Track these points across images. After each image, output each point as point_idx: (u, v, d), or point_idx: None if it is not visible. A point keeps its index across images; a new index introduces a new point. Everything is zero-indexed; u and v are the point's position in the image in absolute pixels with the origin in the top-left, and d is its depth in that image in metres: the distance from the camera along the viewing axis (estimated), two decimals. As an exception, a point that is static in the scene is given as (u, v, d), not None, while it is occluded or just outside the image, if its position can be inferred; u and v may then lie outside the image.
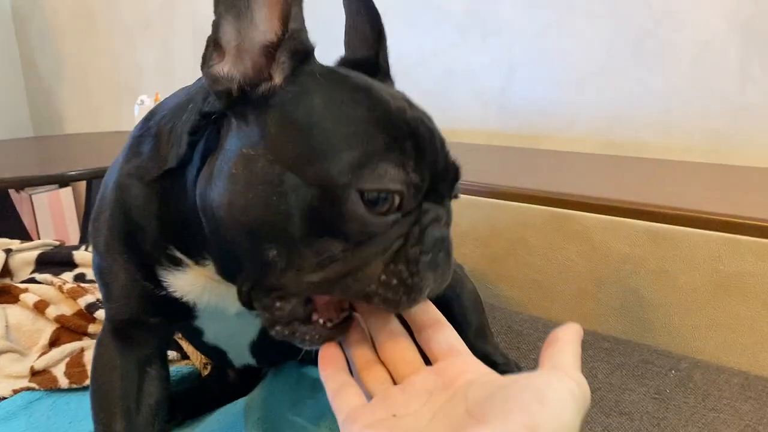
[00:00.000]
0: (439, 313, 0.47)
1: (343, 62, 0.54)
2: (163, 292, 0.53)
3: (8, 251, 1.05)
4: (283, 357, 0.72)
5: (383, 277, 0.41)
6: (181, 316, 0.56)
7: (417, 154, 0.42)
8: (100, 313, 0.84)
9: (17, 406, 0.72)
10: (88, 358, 0.78)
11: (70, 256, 1.06)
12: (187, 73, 2.30)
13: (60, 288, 0.89)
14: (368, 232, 0.41)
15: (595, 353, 0.82)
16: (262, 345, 0.62)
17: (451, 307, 0.75)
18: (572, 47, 1.33)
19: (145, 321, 0.56)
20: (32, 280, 0.95)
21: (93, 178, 1.59)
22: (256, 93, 0.43)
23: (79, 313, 0.86)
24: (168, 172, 0.48)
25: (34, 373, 0.78)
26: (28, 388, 0.76)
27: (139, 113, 2.00)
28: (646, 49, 1.22)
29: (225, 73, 0.43)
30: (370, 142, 0.41)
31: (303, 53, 0.45)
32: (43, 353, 0.81)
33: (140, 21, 2.46)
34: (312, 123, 0.42)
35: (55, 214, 2.91)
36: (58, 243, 1.14)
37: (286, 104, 0.43)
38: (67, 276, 1.00)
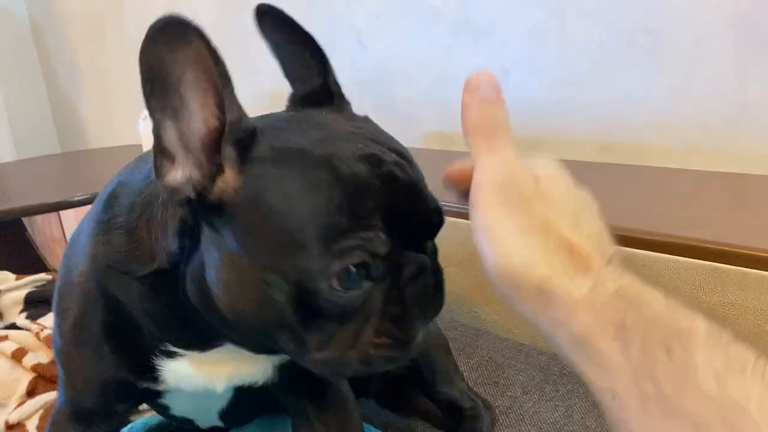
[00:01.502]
0: None
1: (294, 99, 0.51)
2: (145, 384, 0.52)
3: (-3, 292, 1.06)
4: (251, 417, 0.71)
5: (375, 340, 0.42)
6: (149, 399, 0.56)
7: (386, 223, 0.41)
8: (73, 362, 0.84)
9: (-13, 466, 0.73)
10: (60, 410, 0.78)
11: (57, 294, 1.06)
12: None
13: (37, 335, 0.90)
14: (348, 306, 0.41)
15: (574, 388, 0.79)
16: (232, 411, 0.61)
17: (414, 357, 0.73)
18: (564, 45, 1.27)
19: (111, 409, 0.56)
20: (14, 326, 0.96)
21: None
22: (214, 195, 0.41)
23: (54, 362, 0.86)
24: (155, 271, 0.46)
25: (9, 427, 0.79)
26: (2, 444, 0.77)
27: (144, 129, 2.01)
28: (640, 45, 1.16)
29: (180, 179, 0.41)
30: (334, 226, 0.40)
31: (247, 139, 0.42)
32: (20, 403, 0.82)
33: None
34: (275, 224, 0.40)
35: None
36: (49, 279, 1.15)
37: (244, 207, 0.41)
38: (51, 318, 1.00)
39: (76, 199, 1.52)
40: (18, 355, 0.87)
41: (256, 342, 0.47)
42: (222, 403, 0.59)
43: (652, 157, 1.19)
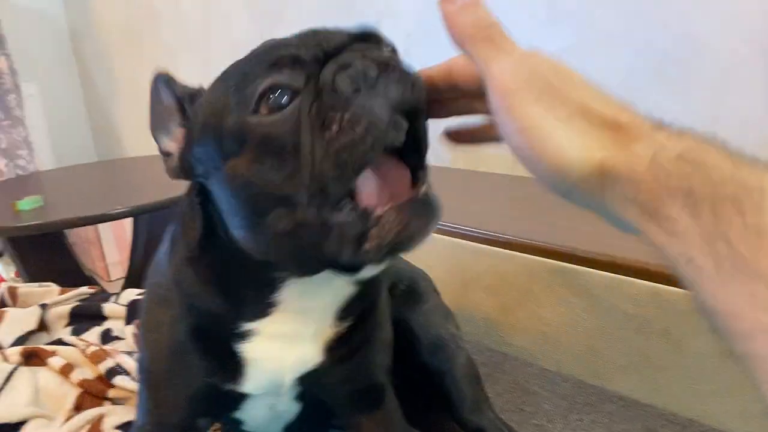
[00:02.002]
0: None
1: None
2: (229, 386, 0.56)
3: (44, 306, 1.11)
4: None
5: (335, 143, 0.40)
6: (230, 409, 0.60)
7: (295, 55, 0.44)
8: (118, 380, 0.88)
9: (40, 479, 0.78)
10: (107, 425, 0.83)
11: (101, 309, 1.11)
12: (226, 92, 2.36)
13: (83, 351, 0.94)
14: (283, 135, 0.42)
15: (598, 417, 0.81)
16: (298, 426, 0.66)
17: (444, 381, 0.76)
18: (592, 71, 1.28)
19: (191, 425, 0.60)
20: (61, 341, 1.01)
21: (134, 215, 1.66)
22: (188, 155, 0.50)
23: (99, 378, 0.91)
24: (204, 246, 0.52)
25: (58, 441, 0.83)
26: (52, 458, 0.81)
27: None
28: (667, 73, 1.17)
29: (175, 162, 0.51)
30: (243, 80, 0.45)
31: (189, 98, 0.51)
32: (69, 418, 0.87)
33: (181, 41, 2.54)
34: (207, 118, 0.48)
35: (116, 232, 3.05)
36: (92, 291, 1.20)
37: (192, 138, 0.49)
38: (95, 333, 1.05)
39: (115, 212, 1.57)
40: (66, 371, 0.92)
41: (277, 244, 0.46)
42: (289, 416, 0.63)
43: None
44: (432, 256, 0.95)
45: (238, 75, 0.45)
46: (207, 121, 0.47)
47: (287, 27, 2.31)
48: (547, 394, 0.88)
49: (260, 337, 0.54)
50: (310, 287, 0.51)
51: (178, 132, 0.51)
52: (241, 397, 0.58)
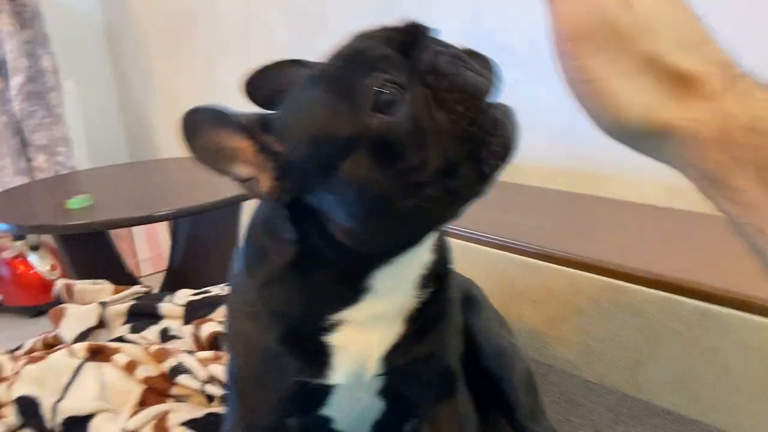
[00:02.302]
0: None
1: None
2: (318, 380, 0.59)
3: (103, 303, 1.16)
4: (400, 429, 0.78)
5: (461, 122, 0.46)
6: (318, 405, 0.63)
7: (385, 54, 0.48)
8: (181, 378, 0.93)
9: (113, 469, 0.82)
10: (172, 422, 0.87)
11: (156, 308, 1.16)
12: (264, 97, 2.41)
13: (146, 349, 0.99)
14: (409, 128, 0.46)
15: (644, 430, 0.84)
16: (384, 422, 0.69)
17: (502, 388, 0.79)
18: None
19: (281, 426, 0.64)
20: (122, 339, 1.05)
21: (181, 216, 1.71)
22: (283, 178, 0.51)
23: (163, 375, 0.95)
24: (293, 263, 0.55)
25: (126, 434, 0.88)
26: (121, 450, 0.85)
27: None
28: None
29: (267, 184, 0.52)
30: (354, 81, 0.47)
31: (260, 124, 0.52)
32: (134, 413, 0.91)
33: (219, 44, 2.59)
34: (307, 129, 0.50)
35: (148, 229, 3.11)
36: (146, 290, 1.25)
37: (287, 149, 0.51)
38: (154, 331, 1.10)
39: (160, 214, 1.62)
40: (130, 368, 0.96)
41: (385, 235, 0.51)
42: (376, 412, 0.67)
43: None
44: (479, 269, 0.98)
45: (334, 84, 0.48)
46: (310, 135, 0.49)
47: (329, 34, 2.37)
48: (593, 406, 0.91)
49: (348, 324, 0.58)
50: (399, 266, 0.55)
51: (256, 158, 0.52)
52: (329, 391, 0.62)
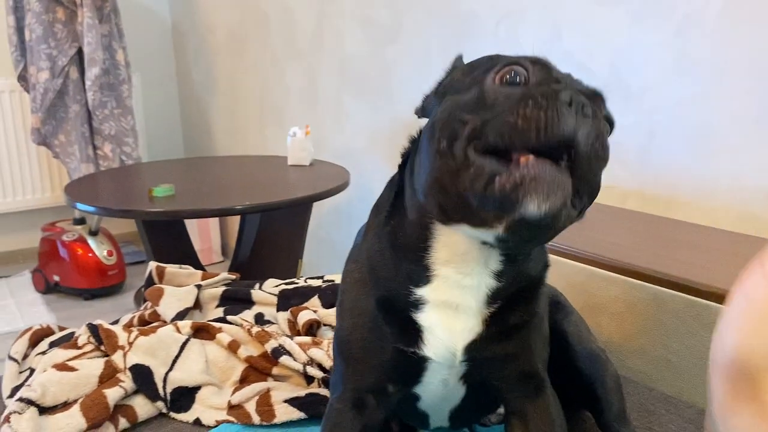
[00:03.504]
0: None
1: None
2: (412, 349, 0.66)
3: (198, 286, 1.23)
4: (471, 421, 0.85)
5: (521, 108, 0.51)
6: (414, 376, 0.69)
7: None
8: (283, 359, 0.99)
9: (223, 437, 0.89)
10: (275, 398, 0.93)
11: (249, 294, 1.23)
12: (331, 101, 2.49)
13: (249, 331, 1.05)
14: (501, 96, 0.54)
15: (726, 443, 0.88)
16: (460, 410, 0.75)
17: (595, 388, 0.84)
18: (717, 118, 1.35)
19: (383, 389, 0.70)
20: (223, 319, 1.12)
21: (258, 212, 1.79)
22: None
23: (264, 356, 1.01)
24: (390, 214, 0.66)
25: (231, 407, 0.94)
26: (228, 421, 0.92)
27: (291, 144, 2.20)
28: (795, 128, 1.23)
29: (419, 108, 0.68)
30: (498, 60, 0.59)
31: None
32: (237, 389, 0.97)
33: (290, 49, 2.67)
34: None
35: (200, 223, 3.21)
36: (233, 277, 1.32)
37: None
38: (249, 315, 1.17)
39: (240, 207, 1.71)
40: (233, 347, 1.03)
41: (436, 179, 0.57)
42: (457, 398, 0.73)
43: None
44: (561, 281, 1.03)
45: (487, 62, 0.60)
46: (454, 81, 0.62)
47: (400, 44, 2.43)
48: (673, 417, 0.95)
49: (430, 305, 0.65)
50: (458, 250, 0.61)
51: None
52: (423, 365, 0.67)
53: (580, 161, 0.51)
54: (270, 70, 2.82)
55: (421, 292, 0.64)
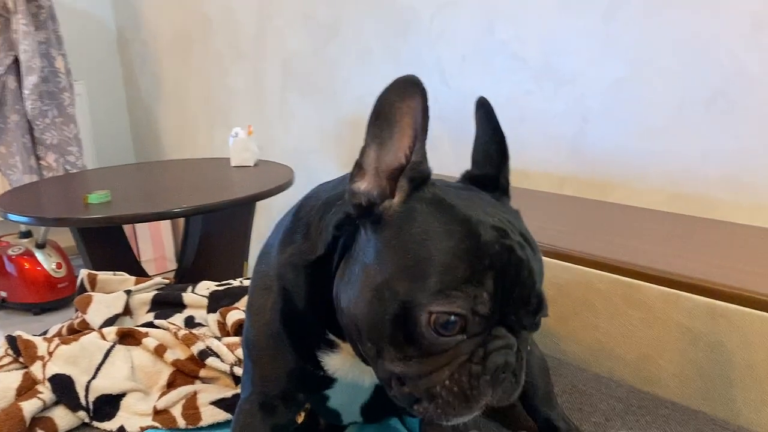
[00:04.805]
0: None
1: (468, 176, 0.63)
2: (321, 372, 0.65)
3: (128, 292, 1.20)
4: (387, 414, 0.84)
5: (447, 382, 0.51)
6: (323, 388, 0.68)
7: (494, 287, 0.50)
8: (210, 360, 0.97)
9: (145, 444, 0.86)
10: (201, 401, 0.91)
11: (180, 298, 1.20)
12: (276, 101, 2.46)
13: (175, 334, 1.03)
14: (435, 347, 0.51)
15: (653, 419, 0.88)
16: (372, 407, 0.74)
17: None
18: (644, 102, 1.37)
19: (292, 396, 0.69)
20: (150, 324, 1.09)
21: (198, 214, 1.75)
22: (379, 209, 0.55)
23: (191, 359, 0.99)
24: (317, 260, 0.60)
25: (156, 412, 0.91)
26: (153, 427, 0.89)
27: (233, 145, 2.17)
28: (718, 107, 1.25)
29: (362, 189, 0.55)
30: (451, 272, 0.50)
31: (420, 180, 0.55)
32: (163, 393, 0.95)
33: (233, 50, 2.64)
34: (409, 248, 0.52)
35: (153, 231, 3.15)
36: (167, 282, 1.29)
37: (393, 227, 0.54)
38: (179, 319, 1.14)
39: (178, 210, 1.67)
40: (160, 351, 1.00)
41: (352, 341, 0.57)
42: (366, 396, 0.72)
43: (720, 210, 1.28)
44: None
45: (443, 266, 0.51)
46: (405, 249, 0.53)
47: (342, 41, 2.41)
48: (603, 397, 0.95)
49: (343, 352, 0.63)
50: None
51: (390, 167, 0.56)
52: (330, 380, 0.67)
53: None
54: (215, 72, 2.78)
55: (336, 339, 0.62)
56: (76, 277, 3.06)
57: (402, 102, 0.52)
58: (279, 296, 0.64)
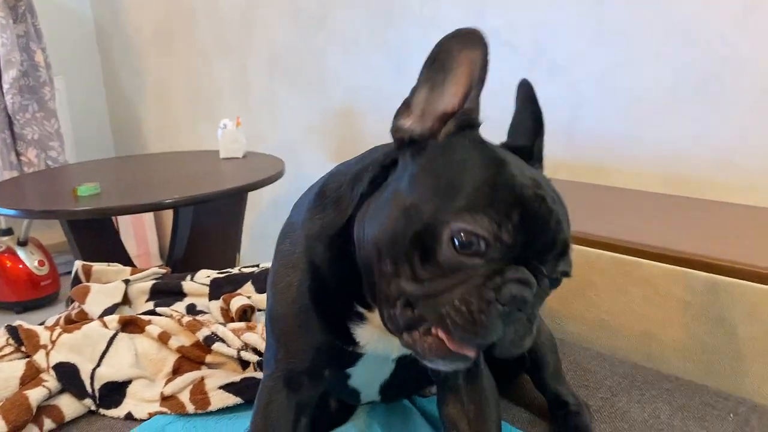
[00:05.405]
0: None
1: (504, 145, 0.63)
2: (350, 347, 0.65)
3: (126, 281, 1.19)
4: (402, 394, 0.84)
5: (456, 302, 0.49)
6: (348, 365, 0.68)
7: (520, 222, 0.50)
8: (216, 346, 0.96)
9: (156, 428, 0.85)
10: (210, 386, 0.90)
11: (180, 286, 1.19)
12: (263, 95, 2.44)
13: (179, 321, 1.02)
14: (453, 265, 0.50)
15: (658, 393, 0.90)
16: (390, 385, 0.74)
17: (531, 350, 0.84)
18: (637, 86, 1.39)
19: (318, 372, 0.68)
20: (153, 312, 1.08)
21: (189, 204, 1.74)
22: (420, 143, 0.56)
23: (197, 345, 0.98)
24: (346, 224, 0.60)
25: (164, 399, 0.91)
26: (161, 412, 0.89)
27: (222, 137, 2.15)
28: (710, 91, 1.27)
29: (407, 126, 0.57)
30: (480, 197, 0.51)
31: (467, 125, 0.56)
32: (169, 380, 0.94)
33: (219, 43, 2.62)
34: (444, 172, 0.53)
35: (136, 227, 3.12)
36: (164, 271, 1.28)
37: (432, 155, 0.55)
38: (180, 306, 1.13)
39: (169, 201, 1.65)
40: (164, 338, 0.99)
41: (370, 275, 0.56)
42: (386, 374, 0.72)
43: (713, 191, 1.30)
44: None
45: (473, 191, 0.51)
46: (440, 173, 0.54)
47: (328, 32, 2.40)
48: (608, 373, 0.96)
49: (371, 324, 0.63)
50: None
51: (446, 130, 0.57)
52: (358, 355, 0.67)
53: (494, 349, 0.52)
54: (200, 65, 2.76)
55: (364, 310, 0.62)
56: (59, 274, 3.03)
57: (460, 52, 0.53)
58: (307, 272, 0.64)
